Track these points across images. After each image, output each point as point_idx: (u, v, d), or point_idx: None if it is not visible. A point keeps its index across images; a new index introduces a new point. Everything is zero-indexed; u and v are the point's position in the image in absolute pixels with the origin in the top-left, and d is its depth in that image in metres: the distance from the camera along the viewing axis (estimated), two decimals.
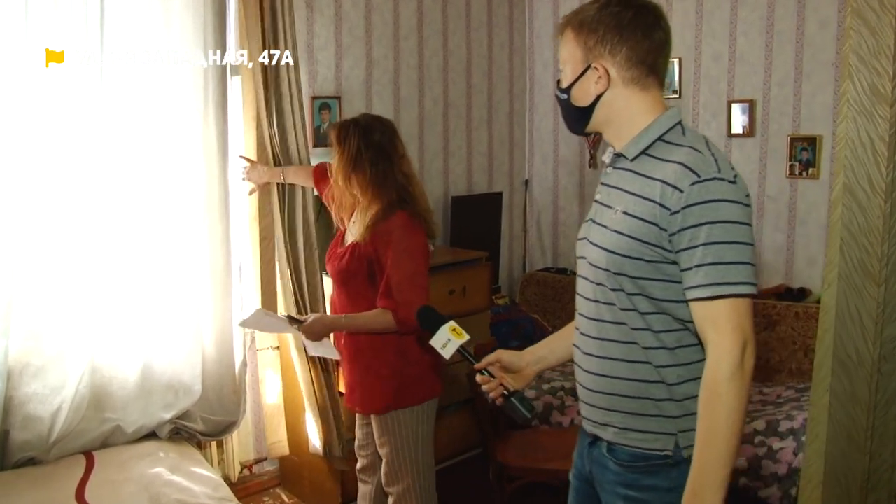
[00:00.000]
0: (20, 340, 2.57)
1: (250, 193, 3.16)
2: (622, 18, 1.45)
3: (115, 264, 2.73)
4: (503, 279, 4.71)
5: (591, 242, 1.53)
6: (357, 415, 2.66)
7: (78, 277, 2.65)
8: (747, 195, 1.41)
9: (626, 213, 1.45)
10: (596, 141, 4.41)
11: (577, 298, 1.60)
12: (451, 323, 1.79)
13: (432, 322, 1.82)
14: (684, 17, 4.08)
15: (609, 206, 1.51)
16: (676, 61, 4.10)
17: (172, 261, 2.88)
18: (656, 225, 1.40)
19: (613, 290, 1.47)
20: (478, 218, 4.35)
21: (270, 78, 3.04)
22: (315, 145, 3.69)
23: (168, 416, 2.85)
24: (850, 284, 1.72)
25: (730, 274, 1.34)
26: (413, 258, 2.38)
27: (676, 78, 4.12)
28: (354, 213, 2.53)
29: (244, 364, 3.14)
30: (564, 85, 1.53)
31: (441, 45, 4.25)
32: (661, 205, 1.39)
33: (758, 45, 3.85)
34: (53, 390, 2.62)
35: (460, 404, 3.72)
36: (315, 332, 2.49)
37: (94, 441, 2.70)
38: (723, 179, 1.37)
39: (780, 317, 3.74)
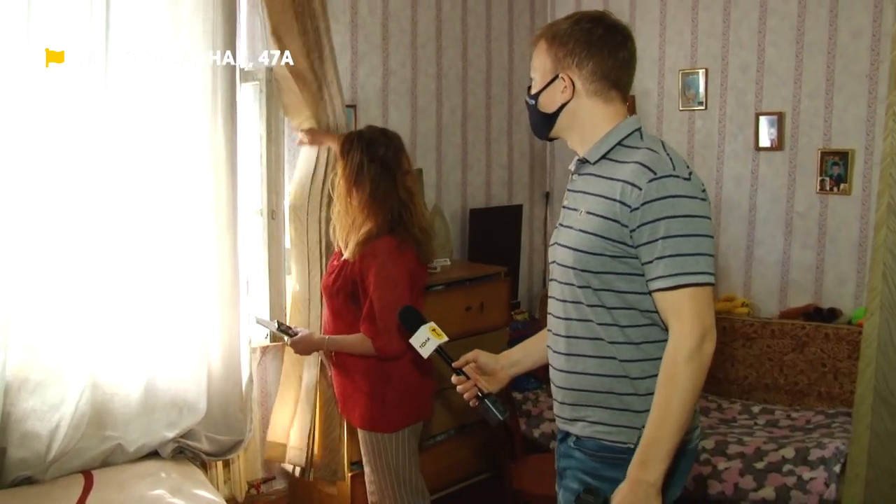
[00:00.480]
0: (18, 354, 2.48)
1: (299, 143, 3.10)
2: (592, 35, 1.56)
3: (118, 275, 2.65)
4: (522, 294, 4.59)
5: (560, 244, 1.61)
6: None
7: (79, 289, 2.57)
8: (703, 190, 1.50)
9: (588, 212, 1.54)
10: None
11: (549, 301, 1.67)
12: (432, 324, 1.87)
13: (413, 321, 1.88)
14: (710, 26, 3.95)
15: (574, 209, 1.60)
16: (702, 72, 3.97)
17: (177, 272, 2.79)
18: (617, 222, 1.48)
19: (580, 287, 1.54)
20: (497, 231, 4.23)
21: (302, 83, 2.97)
22: None
23: (171, 434, 2.76)
24: (893, 314, 1.58)
25: (688, 265, 1.43)
26: (395, 287, 2.36)
27: (702, 89, 3.99)
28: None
29: (251, 380, 3.05)
30: (533, 92, 1.64)
31: (460, 53, 4.16)
32: (620, 202, 1.48)
33: (787, 56, 3.71)
34: (52, 407, 2.53)
35: (460, 429, 3.59)
36: (301, 349, 2.57)
37: (93, 460, 2.62)
38: (677, 176, 1.47)
39: (809, 338, 3.59)
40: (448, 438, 3.52)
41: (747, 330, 3.75)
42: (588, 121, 1.59)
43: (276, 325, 2.67)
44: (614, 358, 1.54)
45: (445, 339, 1.86)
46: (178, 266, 2.79)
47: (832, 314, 3.59)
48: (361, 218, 2.40)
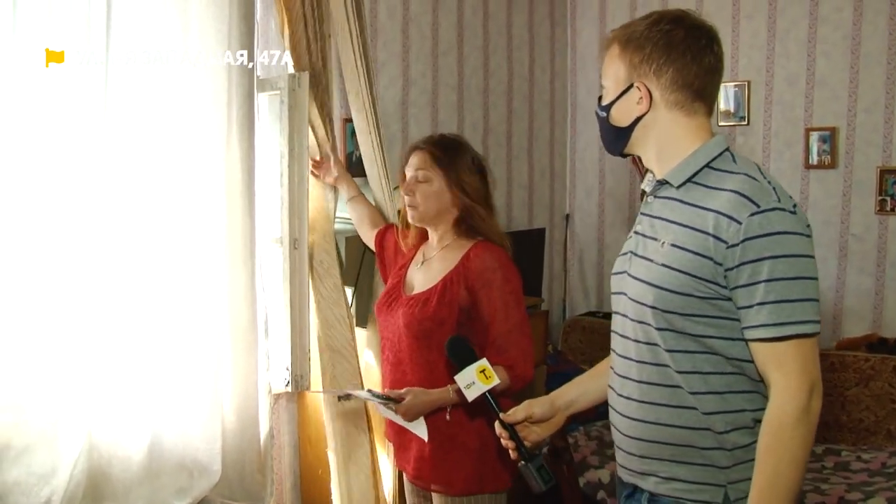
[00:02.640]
0: None
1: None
2: (672, 38, 1.38)
3: (118, 318, 2.19)
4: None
5: (634, 277, 1.44)
6: (413, 486, 2.23)
7: (71, 334, 2.12)
8: (808, 225, 1.34)
9: (674, 245, 1.37)
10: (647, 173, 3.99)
11: (614, 337, 1.51)
12: (483, 362, 1.67)
13: (462, 356, 1.70)
14: (753, 37, 3.68)
15: (654, 238, 1.42)
16: (745, 85, 3.70)
17: (185, 311, 2.34)
18: (710, 259, 1.32)
19: (659, 329, 1.37)
20: (520, 257, 3.86)
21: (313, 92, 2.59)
22: None
23: (181, 503, 2.32)
24: None
25: (795, 313, 1.28)
26: (519, 304, 2.03)
27: (744, 103, 3.71)
28: (422, 252, 2.19)
29: (270, 435, 2.62)
30: (604, 102, 1.47)
31: (481, 63, 3.81)
32: (715, 237, 1.31)
33: (840, 68, 3.47)
34: (41, 478, 2.07)
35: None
36: (415, 413, 2.03)
37: None
38: (783, 210, 1.30)
39: (874, 371, 3.30)
40: None
41: None
42: (667, 136, 1.41)
43: (370, 392, 2.20)
44: (695, 409, 1.37)
45: (497, 381, 1.67)
46: (185, 304, 2.34)
47: None
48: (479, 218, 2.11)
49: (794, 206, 1.33)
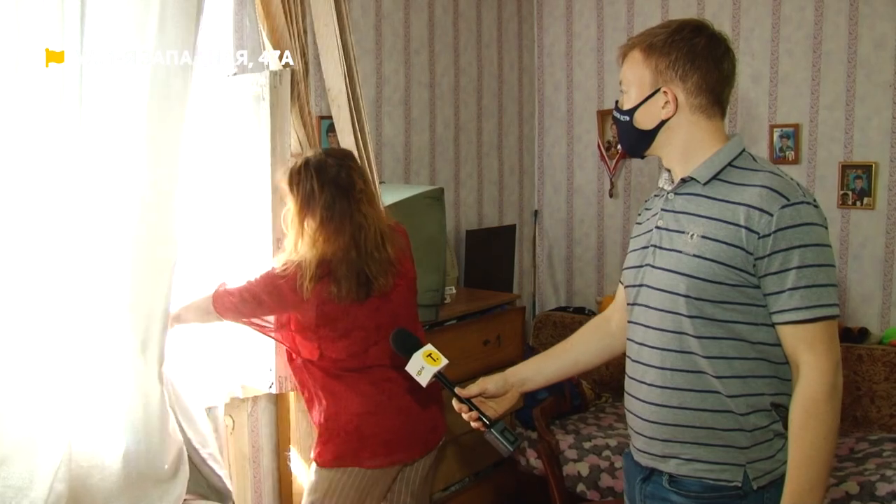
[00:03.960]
0: None
1: None
2: (695, 45, 1.46)
3: (95, 317, 2.10)
4: None
5: (661, 268, 1.50)
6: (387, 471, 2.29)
7: (50, 339, 2.03)
8: (825, 217, 1.45)
9: (704, 237, 1.44)
10: (616, 169, 4.04)
11: (634, 327, 1.57)
12: (428, 347, 1.72)
13: (407, 346, 1.74)
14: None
15: (680, 232, 1.48)
16: None
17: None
18: (742, 248, 1.40)
19: (689, 316, 1.45)
20: (492, 254, 3.88)
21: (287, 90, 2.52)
22: None
23: None
24: None
25: (824, 296, 1.37)
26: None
27: None
28: None
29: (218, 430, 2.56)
30: (627, 107, 1.53)
31: (452, 61, 3.81)
32: (747, 228, 1.39)
33: (803, 66, 3.55)
34: (19, 490, 1.98)
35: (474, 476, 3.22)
36: None
37: None
38: (809, 203, 1.40)
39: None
40: (463, 489, 3.13)
41: None
42: (691, 138, 1.50)
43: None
44: (719, 392, 1.45)
45: (444, 362, 1.70)
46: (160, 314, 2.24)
47: (863, 334, 3.41)
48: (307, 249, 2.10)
49: (815, 200, 1.43)
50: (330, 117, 3.20)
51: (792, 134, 3.58)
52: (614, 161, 4.05)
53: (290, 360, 2.29)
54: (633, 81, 1.52)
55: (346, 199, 2.11)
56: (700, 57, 1.45)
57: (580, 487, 3.21)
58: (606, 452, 3.22)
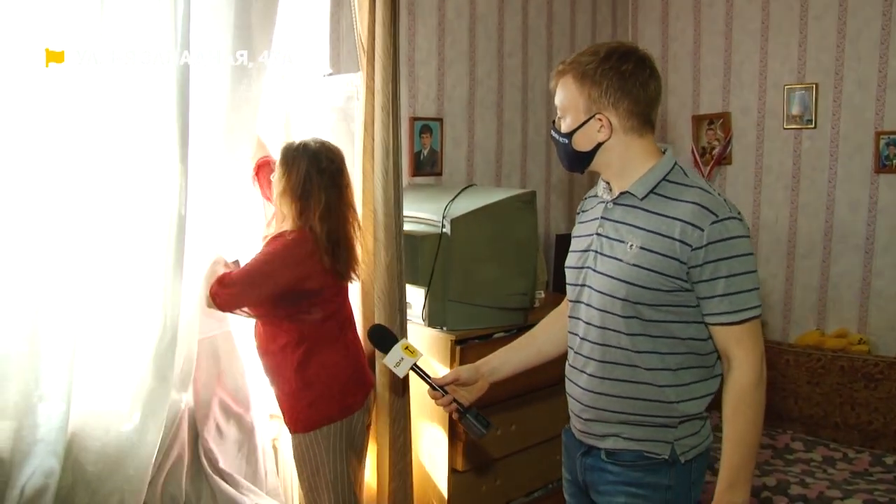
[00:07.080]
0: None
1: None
2: (624, 73, 1.55)
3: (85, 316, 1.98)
4: None
5: (601, 273, 1.64)
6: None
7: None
8: (748, 227, 1.59)
9: (643, 248, 1.57)
10: (711, 175, 3.95)
11: (576, 322, 1.71)
12: (405, 341, 1.85)
13: (385, 340, 1.86)
14: (821, 38, 3.62)
15: (620, 241, 1.62)
16: (812, 88, 3.64)
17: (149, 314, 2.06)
18: (676, 259, 1.54)
19: (625, 317, 1.60)
20: None
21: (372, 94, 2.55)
22: (413, 174, 3.24)
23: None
24: None
25: (749, 301, 1.55)
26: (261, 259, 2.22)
27: (812, 106, 3.65)
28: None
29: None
30: (565, 131, 1.64)
31: (545, 64, 3.81)
32: (681, 241, 1.53)
33: None
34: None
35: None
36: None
37: None
38: (735, 218, 1.55)
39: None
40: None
41: (870, 370, 3.39)
42: (627, 156, 1.62)
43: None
44: (650, 384, 1.61)
45: (421, 355, 1.85)
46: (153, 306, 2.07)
47: None
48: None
49: (740, 213, 1.58)
50: (422, 118, 3.28)
51: None
52: (709, 167, 3.96)
53: (267, 351, 2.31)
54: (569, 107, 1.62)
55: (338, 191, 2.27)
56: (629, 83, 1.56)
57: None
58: None
